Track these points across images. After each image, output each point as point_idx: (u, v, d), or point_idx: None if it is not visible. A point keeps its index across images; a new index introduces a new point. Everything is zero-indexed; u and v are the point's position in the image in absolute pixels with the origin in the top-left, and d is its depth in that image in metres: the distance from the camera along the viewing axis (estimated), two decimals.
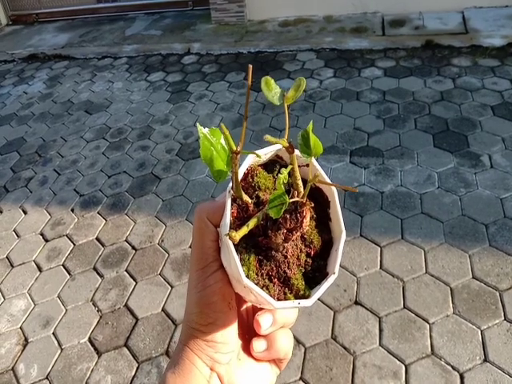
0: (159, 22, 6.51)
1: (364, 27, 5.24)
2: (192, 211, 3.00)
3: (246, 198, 0.45)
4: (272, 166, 0.50)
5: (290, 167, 0.42)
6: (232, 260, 0.42)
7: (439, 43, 4.65)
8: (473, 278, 2.33)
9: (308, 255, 0.46)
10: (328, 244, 0.47)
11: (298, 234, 0.43)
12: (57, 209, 3.20)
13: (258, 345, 0.51)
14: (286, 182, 0.42)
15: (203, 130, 0.43)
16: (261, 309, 0.52)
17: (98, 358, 2.24)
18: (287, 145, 0.40)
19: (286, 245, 0.44)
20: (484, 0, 5.07)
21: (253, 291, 0.41)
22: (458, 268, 2.39)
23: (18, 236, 3.02)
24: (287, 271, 0.44)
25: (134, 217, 3.03)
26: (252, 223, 0.42)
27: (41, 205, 3.26)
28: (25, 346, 2.33)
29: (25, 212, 3.22)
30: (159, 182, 3.31)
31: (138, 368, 2.17)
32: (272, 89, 0.39)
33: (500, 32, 4.56)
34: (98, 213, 3.10)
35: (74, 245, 2.88)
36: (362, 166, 3.18)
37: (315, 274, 0.45)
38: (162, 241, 2.82)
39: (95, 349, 2.28)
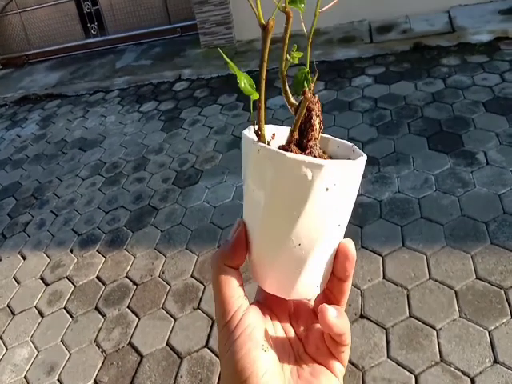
0: (149, 51, 6.57)
1: (352, 36, 5.24)
2: (191, 239, 2.98)
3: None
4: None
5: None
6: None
7: (427, 44, 4.63)
8: (477, 278, 2.29)
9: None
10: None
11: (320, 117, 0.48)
12: (56, 251, 3.19)
13: (332, 310, 0.46)
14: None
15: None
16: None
17: None
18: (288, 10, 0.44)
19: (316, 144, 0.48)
20: None
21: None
22: (461, 270, 2.34)
23: (17, 283, 3.01)
24: None
25: (134, 251, 3.01)
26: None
27: (39, 248, 3.25)
28: None
29: (24, 257, 3.21)
30: (157, 212, 3.30)
31: None
32: None
33: (486, 28, 4.53)
34: (97, 251, 3.09)
35: (75, 286, 2.86)
36: None
37: None
38: (163, 273, 2.79)
39: None
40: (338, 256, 0.49)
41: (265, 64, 0.47)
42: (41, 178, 4.15)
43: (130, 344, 2.43)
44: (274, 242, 0.47)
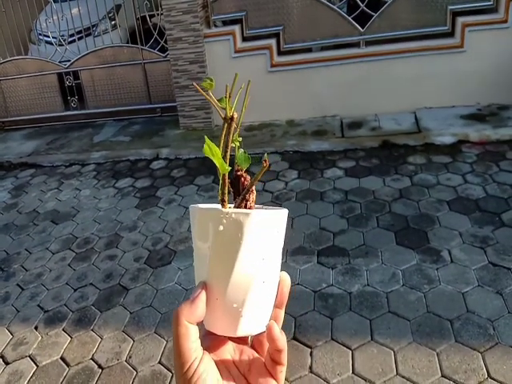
0: (128, 128, 6.70)
1: (324, 130, 5.50)
2: (161, 323, 2.95)
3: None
4: None
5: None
6: None
7: (395, 142, 4.90)
8: (442, 376, 2.33)
9: None
10: None
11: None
12: (19, 327, 3.09)
13: (278, 327, 0.58)
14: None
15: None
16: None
17: None
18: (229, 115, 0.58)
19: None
20: (433, 101, 5.43)
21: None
22: (427, 367, 2.39)
23: None
24: None
25: (101, 332, 2.95)
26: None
27: (2, 324, 3.14)
28: None
29: None
30: (127, 293, 3.27)
31: None
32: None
33: (449, 130, 4.86)
34: (63, 329, 3.01)
35: (37, 366, 2.76)
36: (330, 266, 3.22)
37: None
38: (130, 357, 2.74)
39: None
40: (279, 284, 0.62)
41: (229, 149, 0.59)
42: (9, 248, 4.07)
43: None
44: (246, 285, 0.57)
